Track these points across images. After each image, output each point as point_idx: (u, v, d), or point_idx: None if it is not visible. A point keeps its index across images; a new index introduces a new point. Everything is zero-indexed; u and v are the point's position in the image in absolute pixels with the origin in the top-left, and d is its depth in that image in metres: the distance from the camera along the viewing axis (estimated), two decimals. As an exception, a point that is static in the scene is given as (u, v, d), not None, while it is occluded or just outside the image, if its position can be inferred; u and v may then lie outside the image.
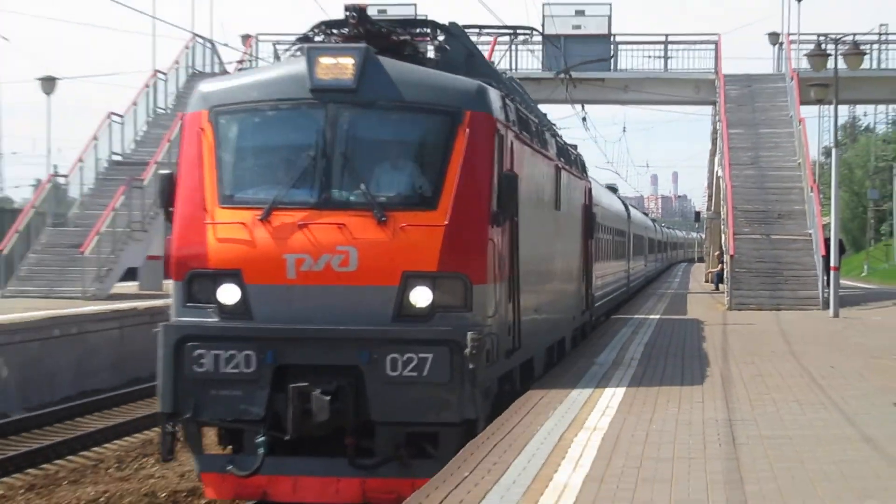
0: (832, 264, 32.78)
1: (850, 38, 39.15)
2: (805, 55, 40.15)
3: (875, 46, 48.03)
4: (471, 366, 12.49)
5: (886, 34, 49.63)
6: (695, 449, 11.23)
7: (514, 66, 45.87)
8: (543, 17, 46.09)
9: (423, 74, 13.82)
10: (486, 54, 19.60)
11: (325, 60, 13.30)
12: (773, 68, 51.02)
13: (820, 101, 37.95)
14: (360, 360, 12.62)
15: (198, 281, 13.09)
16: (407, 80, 13.45)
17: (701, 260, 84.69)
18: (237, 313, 12.95)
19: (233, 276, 12.94)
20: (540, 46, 46.23)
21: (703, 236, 76.58)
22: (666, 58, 48.73)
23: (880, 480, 9.86)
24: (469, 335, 12.44)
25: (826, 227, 36.32)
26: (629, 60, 48.80)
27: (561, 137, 22.75)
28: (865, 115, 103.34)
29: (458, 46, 16.02)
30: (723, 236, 42.02)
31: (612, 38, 48.36)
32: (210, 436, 13.95)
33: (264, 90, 13.60)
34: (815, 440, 11.79)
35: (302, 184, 13.12)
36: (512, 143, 14.56)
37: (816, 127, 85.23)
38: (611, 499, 9.11)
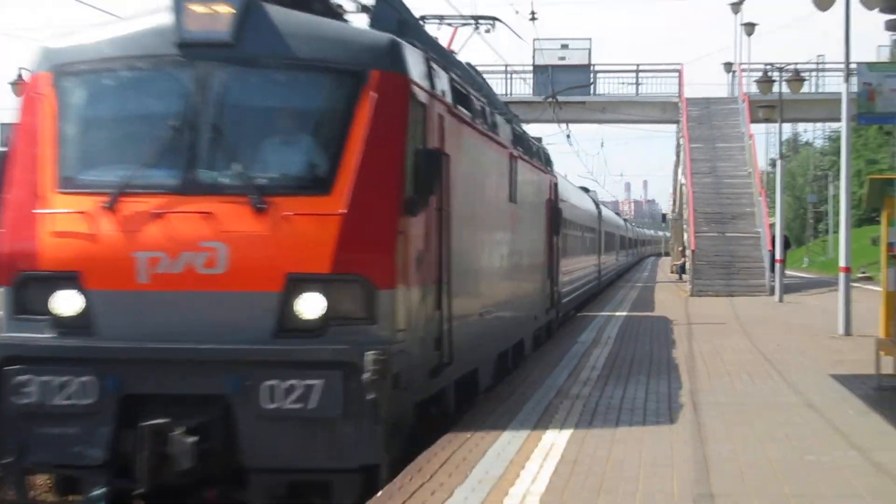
0: (777, 257, 32.71)
1: (793, 66, 39.16)
2: (755, 81, 40.25)
3: (813, 74, 48.19)
4: (371, 395, 8.40)
5: (823, 63, 50.05)
6: (662, 414, 11.17)
7: (508, 92, 46.20)
8: (534, 50, 46.30)
9: (319, 25, 9.59)
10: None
11: (195, 8, 9.20)
12: (727, 92, 51.10)
13: (767, 120, 37.94)
14: (228, 388, 8.54)
15: (29, 286, 9.02)
16: (299, 32, 9.30)
17: (667, 254, 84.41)
18: (76, 327, 8.86)
19: (70, 279, 8.87)
20: (531, 75, 46.62)
21: (669, 234, 76.35)
22: (637, 84, 48.91)
23: (818, 439, 9.82)
24: (368, 355, 8.38)
25: (772, 226, 36.28)
26: (606, 86, 49.20)
27: (520, 126, 18.49)
28: (806, 131, 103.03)
29: (388, 10, 11.45)
30: (685, 234, 42.06)
31: (591, 68, 48.70)
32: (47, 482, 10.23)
33: (121, 46, 9.41)
34: (763, 406, 11.74)
35: (160, 163, 9.01)
36: (441, 117, 10.44)
37: (764, 142, 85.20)
38: (590, 456, 9.05)
